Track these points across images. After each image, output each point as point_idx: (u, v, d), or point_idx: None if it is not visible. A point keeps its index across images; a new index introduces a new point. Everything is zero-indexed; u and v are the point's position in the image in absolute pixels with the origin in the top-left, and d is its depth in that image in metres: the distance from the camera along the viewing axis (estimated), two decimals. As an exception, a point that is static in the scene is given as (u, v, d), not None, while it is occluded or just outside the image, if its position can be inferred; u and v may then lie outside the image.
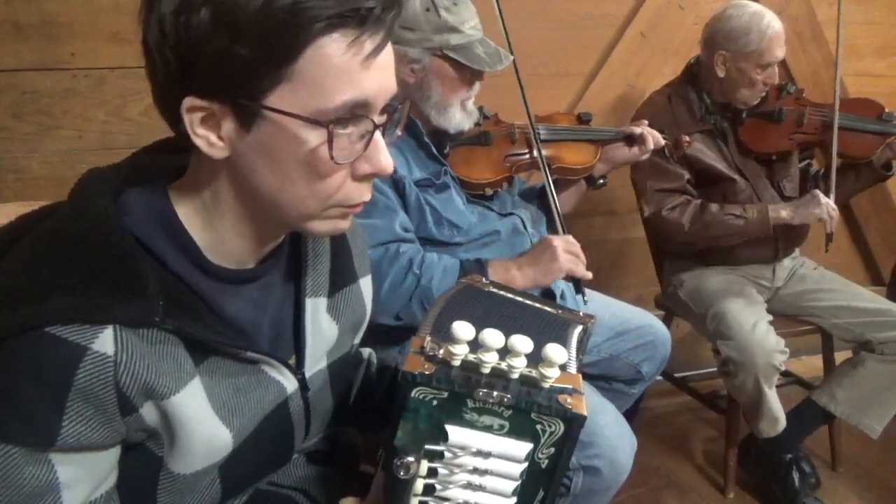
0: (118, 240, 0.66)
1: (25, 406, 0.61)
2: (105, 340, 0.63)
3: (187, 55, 0.63)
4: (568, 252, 1.45)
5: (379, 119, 0.68)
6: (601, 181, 1.86)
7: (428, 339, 0.72)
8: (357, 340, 0.97)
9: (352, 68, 0.63)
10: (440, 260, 1.43)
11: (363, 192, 0.71)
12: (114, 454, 0.69)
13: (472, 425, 0.70)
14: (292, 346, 0.83)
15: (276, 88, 0.63)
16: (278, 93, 0.63)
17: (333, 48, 0.62)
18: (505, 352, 0.69)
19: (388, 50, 0.67)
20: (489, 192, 1.66)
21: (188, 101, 0.64)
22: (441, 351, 0.70)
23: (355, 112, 0.65)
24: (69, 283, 0.63)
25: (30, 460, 0.62)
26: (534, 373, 0.70)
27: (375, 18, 0.63)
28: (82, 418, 0.63)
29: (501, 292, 0.95)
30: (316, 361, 0.85)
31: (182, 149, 0.73)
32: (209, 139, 0.66)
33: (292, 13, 0.60)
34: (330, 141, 0.64)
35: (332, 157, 0.65)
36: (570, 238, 1.50)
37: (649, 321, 1.78)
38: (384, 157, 0.69)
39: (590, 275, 1.47)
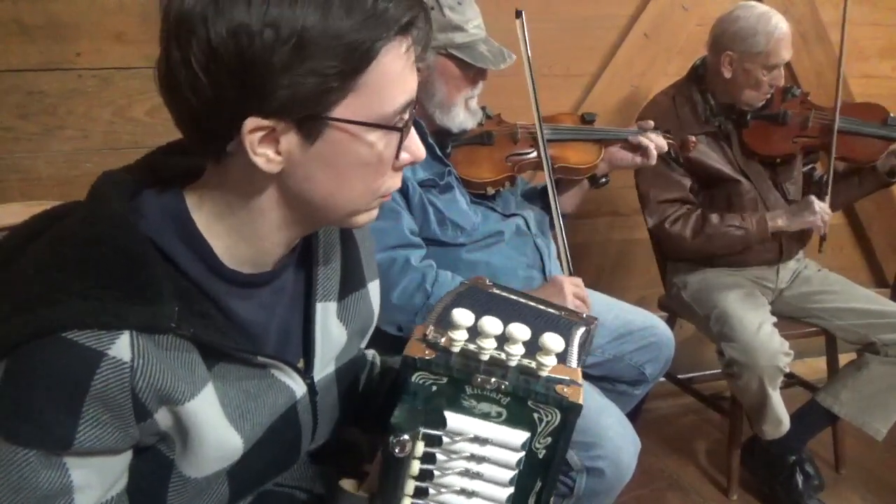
0: (134, 244, 0.66)
1: (41, 411, 0.62)
2: (122, 346, 0.63)
3: (253, 78, 0.62)
4: (576, 297, 1.49)
5: (412, 112, 0.72)
6: (603, 180, 1.86)
7: (431, 327, 0.74)
8: (364, 344, 0.98)
9: (405, 73, 0.68)
10: (453, 279, 1.43)
11: (398, 181, 0.76)
12: (126, 458, 0.69)
13: (470, 412, 0.71)
14: (301, 350, 0.84)
15: (344, 100, 0.65)
16: (345, 104, 0.66)
17: (391, 56, 0.66)
18: (503, 339, 0.70)
19: None
20: (491, 191, 1.66)
21: (251, 123, 0.64)
22: (442, 339, 0.72)
23: (405, 111, 0.69)
24: (85, 288, 0.63)
25: (45, 464, 0.63)
26: (532, 363, 0.71)
27: (419, 26, 0.67)
28: (98, 423, 0.63)
29: (504, 293, 0.95)
30: (325, 366, 0.86)
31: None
32: (268, 156, 0.66)
33: (360, 30, 0.63)
34: (401, 140, 0.70)
35: (397, 156, 0.71)
36: (578, 280, 1.54)
37: (653, 322, 1.78)
38: (417, 145, 0.74)
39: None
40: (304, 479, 0.93)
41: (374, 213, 0.77)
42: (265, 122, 0.64)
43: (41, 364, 0.61)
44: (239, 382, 0.74)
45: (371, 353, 1.06)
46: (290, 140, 0.66)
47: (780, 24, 1.92)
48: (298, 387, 0.81)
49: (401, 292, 1.38)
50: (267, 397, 0.77)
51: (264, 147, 0.66)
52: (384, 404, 1.00)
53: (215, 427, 0.71)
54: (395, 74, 0.67)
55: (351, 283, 0.89)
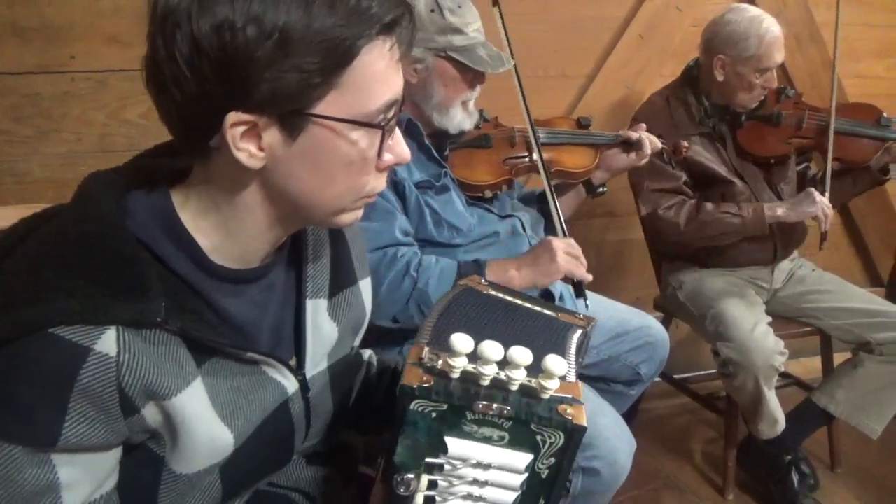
0: (121, 243, 0.67)
1: (27, 407, 0.62)
2: (108, 341, 0.63)
3: (236, 72, 0.62)
4: (567, 253, 1.45)
5: (397, 112, 0.72)
6: (601, 189, 1.86)
7: (426, 349, 0.72)
8: (357, 342, 0.98)
9: (388, 71, 0.68)
10: (437, 263, 1.43)
11: (383, 182, 0.76)
12: (115, 455, 0.69)
13: (471, 437, 0.70)
14: (293, 348, 0.84)
15: (326, 97, 0.66)
16: (327, 100, 0.66)
17: (374, 54, 0.66)
18: (504, 363, 0.69)
19: None
20: (488, 194, 1.67)
21: (233, 117, 0.64)
22: (440, 362, 0.70)
23: (389, 110, 0.70)
24: (72, 285, 0.63)
25: (31, 461, 0.63)
26: (533, 383, 0.70)
27: (404, 24, 0.67)
28: (84, 419, 0.63)
29: (500, 294, 0.94)
30: (316, 363, 0.86)
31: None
32: (250, 151, 0.67)
33: (342, 27, 0.63)
34: (383, 139, 0.70)
35: (379, 155, 0.71)
36: (571, 240, 1.50)
37: (648, 322, 1.78)
38: (402, 146, 0.74)
39: (590, 277, 1.47)
40: (300, 480, 0.93)
41: (359, 212, 0.77)
42: (247, 117, 0.65)
43: (28, 360, 0.61)
44: (229, 379, 0.74)
45: (368, 353, 1.06)
46: (272, 136, 0.67)
47: (772, 27, 1.92)
48: (290, 384, 0.81)
49: (389, 283, 1.39)
50: (258, 394, 0.77)
51: (246, 142, 0.66)
52: (382, 405, 1.01)
53: (205, 422, 0.71)
54: (377, 73, 0.67)
55: (341, 281, 0.89)
